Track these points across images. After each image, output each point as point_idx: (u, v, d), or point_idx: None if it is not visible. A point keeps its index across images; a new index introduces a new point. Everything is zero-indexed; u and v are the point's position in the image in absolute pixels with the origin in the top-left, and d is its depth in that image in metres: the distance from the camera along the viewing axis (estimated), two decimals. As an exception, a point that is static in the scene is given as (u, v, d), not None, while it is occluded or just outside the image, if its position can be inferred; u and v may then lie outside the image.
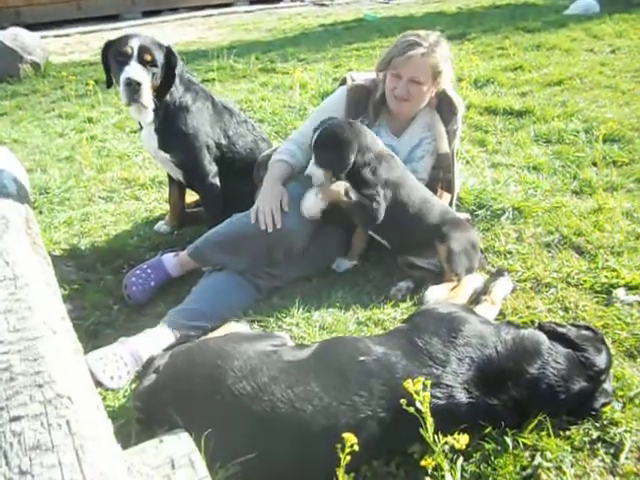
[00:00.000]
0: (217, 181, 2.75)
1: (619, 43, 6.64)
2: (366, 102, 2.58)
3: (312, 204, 2.31)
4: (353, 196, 2.32)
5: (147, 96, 2.48)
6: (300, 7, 13.73)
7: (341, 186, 2.33)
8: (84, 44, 8.94)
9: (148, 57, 2.47)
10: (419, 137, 2.66)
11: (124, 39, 2.50)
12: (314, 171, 2.35)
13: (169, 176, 2.98)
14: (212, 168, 2.73)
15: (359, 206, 2.34)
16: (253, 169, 2.79)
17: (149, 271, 2.43)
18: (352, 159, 2.31)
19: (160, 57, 2.51)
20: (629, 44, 6.57)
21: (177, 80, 2.57)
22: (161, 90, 2.56)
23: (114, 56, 2.51)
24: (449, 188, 2.72)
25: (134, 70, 2.44)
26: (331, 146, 2.32)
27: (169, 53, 2.55)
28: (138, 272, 2.42)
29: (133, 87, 2.43)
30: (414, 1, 13.28)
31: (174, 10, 12.53)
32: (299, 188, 2.44)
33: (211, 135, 2.72)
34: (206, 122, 2.70)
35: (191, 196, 3.12)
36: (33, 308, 1.27)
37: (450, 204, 2.73)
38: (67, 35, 9.69)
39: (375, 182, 2.34)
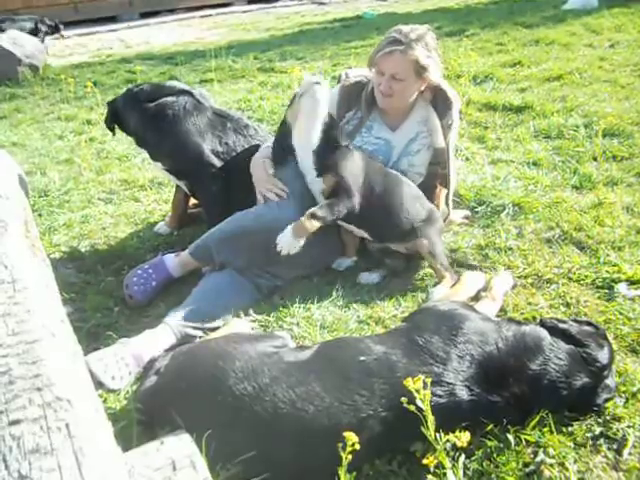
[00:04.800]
0: (215, 185, 2.72)
1: (618, 37, 6.61)
2: (359, 96, 2.61)
3: (290, 245, 2.23)
4: (326, 213, 2.29)
5: None
6: (298, 6, 13.72)
7: (314, 223, 2.28)
8: (82, 46, 8.95)
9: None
10: (415, 131, 2.66)
11: None
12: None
13: None
14: (208, 172, 2.70)
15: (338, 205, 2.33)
16: None
17: (150, 271, 2.43)
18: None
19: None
20: (628, 38, 6.55)
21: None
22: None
23: None
24: (445, 183, 2.71)
25: None
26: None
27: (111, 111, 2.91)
28: (139, 272, 2.42)
29: None
30: (412, -2, 13.25)
31: (172, 11, 12.53)
32: (298, 182, 2.44)
33: (201, 142, 2.70)
34: (191, 129, 2.70)
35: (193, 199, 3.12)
36: (32, 311, 1.27)
37: (447, 199, 2.73)
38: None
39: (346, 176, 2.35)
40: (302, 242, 2.24)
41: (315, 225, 2.25)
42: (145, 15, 12.14)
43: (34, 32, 8.30)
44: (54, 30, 8.64)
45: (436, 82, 2.55)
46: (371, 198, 2.39)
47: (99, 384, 1.87)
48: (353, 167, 2.38)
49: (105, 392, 1.89)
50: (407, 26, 2.49)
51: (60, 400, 1.01)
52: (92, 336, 2.21)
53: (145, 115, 2.73)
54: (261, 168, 2.50)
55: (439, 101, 2.61)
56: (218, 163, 2.72)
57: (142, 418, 1.68)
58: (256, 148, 2.81)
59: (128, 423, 1.69)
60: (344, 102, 2.61)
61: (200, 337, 2.14)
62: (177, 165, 2.76)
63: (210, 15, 12.48)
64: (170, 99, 2.74)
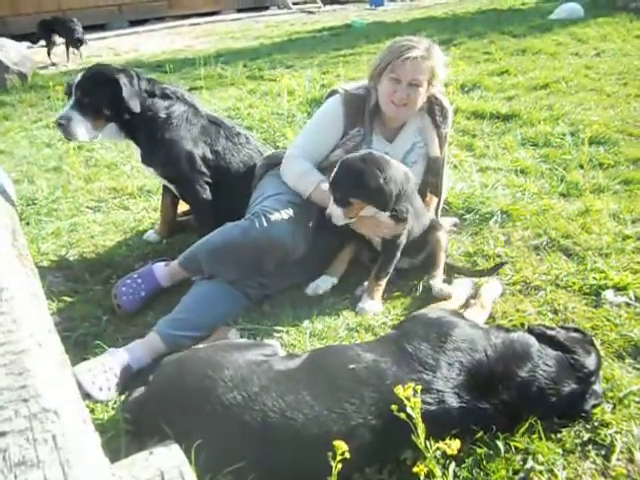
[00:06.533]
0: (206, 192, 2.72)
1: (603, 46, 6.72)
2: (360, 111, 2.56)
3: (376, 308, 2.32)
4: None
5: (80, 132, 2.59)
6: (287, 14, 13.81)
7: (382, 283, 2.38)
8: (71, 54, 8.91)
9: (82, 95, 2.57)
10: (411, 142, 2.65)
11: (72, 79, 2.65)
12: (333, 211, 2.26)
13: (164, 185, 2.96)
14: (199, 179, 2.70)
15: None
16: (247, 183, 2.72)
17: (139, 281, 2.41)
18: (389, 190, 2.20)
19: (99, 90, 2.57)
20: (613, 47, 6.65)
21: (132, 100, 2.58)
22: (117, 114, 2.63)
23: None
24: (436, 192, 2.73)
25: (62, 112, 2.59)
26: (355, 179, 2.20)
27: (112, 82, 2.56)
28: (128, 281, 2.41)
29: (60, 128, 2.59)
30: (400, 7, 13.40)
31: (161, 19, 12.56)
32: (289, 195, 2.44)
33: (194, 149, 2.69)
34: (186, 135, 2.68)
35: (181, 205, 3.10)
36: (19, 321, 1.25)
37: (437, 208, 2.74)
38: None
39: (408, 213, 2.36)
40: (381, 302, 2.36)
41: (383, 283, 2.38)
42: (134, 23, 12.15)
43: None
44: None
45: (434, 91, 2.57)
46: (413, 228, 2.47)
47: (87, 395, 1.85)
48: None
49: (93, 402, 1.87)
50: (412, 36, 2.50)
51: (47, 411, 1.00)
52: (80, 345, 2.18)
53: (145, 117, 2.65)
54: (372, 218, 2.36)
55: (436, 110, 2.61)
56: (209, 172, 2.72)
57: (130, 428, 1.67)
58: (252, 164, 2.80)
59: (116, 433, 1.67)
60: (349, 117, 2.54)
61: (189, 346, 2.12)
62: (169, 173, 2.74)
63: (199, 23, 12.52)
64: (174, 107, 2.70)
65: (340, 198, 2.24)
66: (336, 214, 2.25)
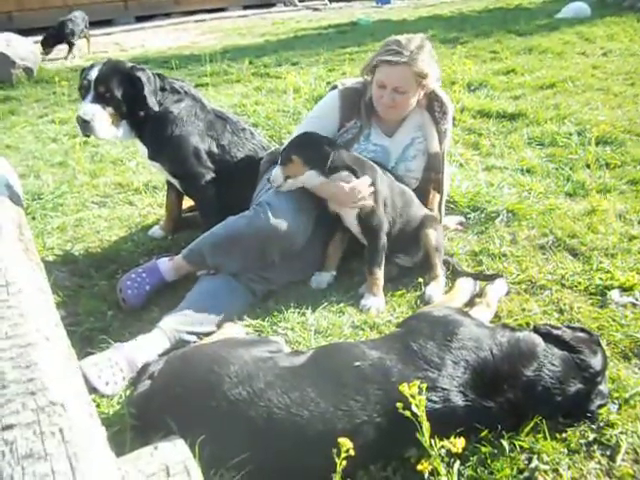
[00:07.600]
0: (212, 187, 2.73)
1: (610, 46, 6.69)
2: (357, 104, 2.60)
3: (380, 304, 2.34)
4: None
5: (102, 129, 2.54)
6: (293, 11, 13.80)
7: (379, 274, 2.38)
8: (77, 49, 8.92)
9: (103, 90, 2.51)
10: (411, 137, 2.66)
11: (86, 69, 2.59)
12: (275, 171, 2.40)
13: (167, 181, 2.97)
14: (205, 175, 2.71)
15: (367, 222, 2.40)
16: (252, 179, 2.74)
17: (144, 275, 2.42)
18: (327, 153, 2.34)
19: (120, 86, 2.53)
20: (620, 47, 6.62)
21: (151, 98, 2.58)
22: (132, 112, 2.60)
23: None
24: (439, 188, 2.73)
25: (85, 107, 2.51)
26: (300, 141, 2.44)
27: (132, 78, 2.55)
28: (133, 276, 2.41)
29: (84, 124, 2.51)
30: (407, 5, 13.38)
31: (167, 15, 12.56)
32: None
33: (201, 144, 2.70)
34: (194, 131, 2.69)
35: (186, 201, 3.11)
36: (26, 315, 1.26)
37: (440, 205, 2.74)
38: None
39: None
40: (383, 298, 2.37)
41: (381, 275, 2.38)
42: (140, 19, 12.16)
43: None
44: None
45: (433, 87, 2.57)
46: (395, 218, 2.47)
47: (92, 389, 1.85)
48: (383, 189, 2.43)
49: (98, 397, 1.88)
50: (404, 37, 2.47)
51: (54, 405, 1.01)
52: (85, 340, 2.19)
53: (157, 113, 2.64)
54: (339, 186, 2.38)
55: (435, 107, 2.62)
56: (215, 166, 2.73)
57: (135, 423, 1.67)
58: (257, 159, 2.81)
59: (121, 428, 1.67)
60: (345, 110, 2.59)
61: (194, 342, 2.13)
62: (176, 168, 2.75)
63: (205, 20, 12.52)
64: (183, 102, 2.71)
65: (284, 156, 2.40)
66: (276, 172, 2.39)
